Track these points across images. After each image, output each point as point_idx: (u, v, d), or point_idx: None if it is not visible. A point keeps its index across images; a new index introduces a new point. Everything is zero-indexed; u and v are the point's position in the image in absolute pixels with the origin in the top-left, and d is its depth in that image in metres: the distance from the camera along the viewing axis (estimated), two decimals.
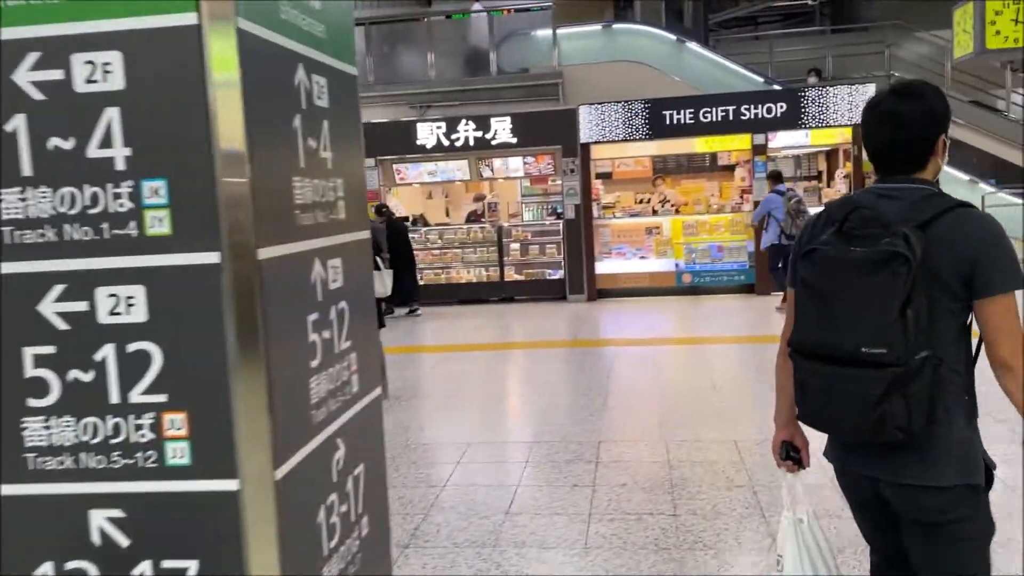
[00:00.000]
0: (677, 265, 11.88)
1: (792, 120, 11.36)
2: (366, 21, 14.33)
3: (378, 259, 6.70)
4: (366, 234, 2.50)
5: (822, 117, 11.30)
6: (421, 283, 12.25)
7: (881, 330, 1.82)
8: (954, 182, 11.73)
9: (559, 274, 12.05)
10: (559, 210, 11.96)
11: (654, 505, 4.24)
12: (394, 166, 12.05)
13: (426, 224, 12.76)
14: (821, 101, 11.28)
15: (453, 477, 4.83)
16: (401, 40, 14.78)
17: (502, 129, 11.64)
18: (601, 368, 7.61)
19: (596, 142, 11.64)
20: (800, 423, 2.18)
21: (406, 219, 12.64)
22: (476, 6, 14.25)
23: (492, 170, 12.06)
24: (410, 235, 12.26)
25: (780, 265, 10.11)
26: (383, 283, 6.72)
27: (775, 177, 10.39)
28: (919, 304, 1.82)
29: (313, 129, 2.05)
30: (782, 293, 9.62)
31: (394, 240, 10.56)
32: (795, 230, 9.76)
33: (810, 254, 1.97)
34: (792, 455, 2.22)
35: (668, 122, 11.44)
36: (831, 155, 12.41)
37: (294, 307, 1.88)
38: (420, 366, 8.16)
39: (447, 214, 13.94)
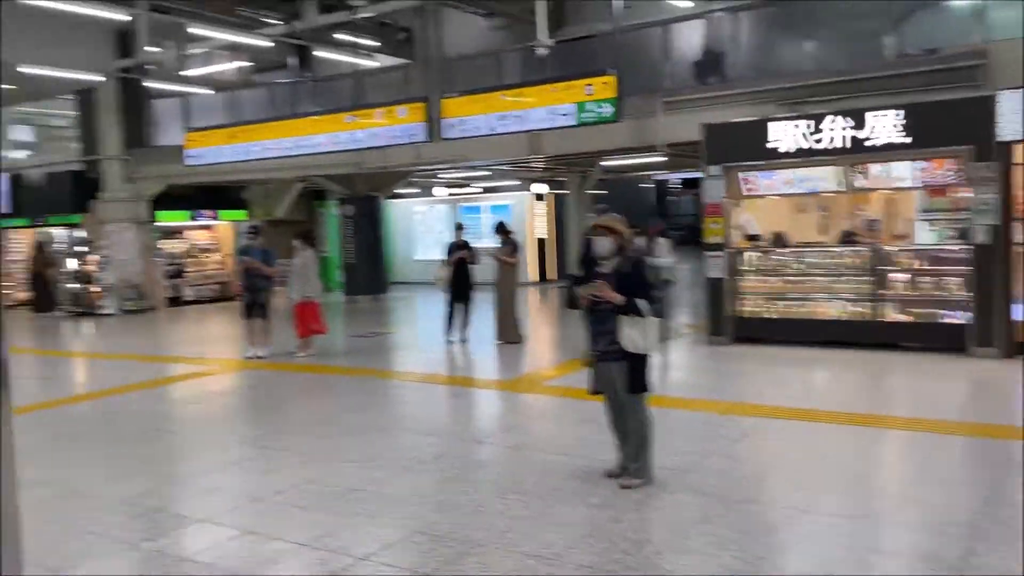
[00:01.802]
0: None
1: None
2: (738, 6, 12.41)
3: (639, 303, 5.00)
4: None
5: None
6: (774, 317, 10.13)
7: None
8: None
9: (960, 318, 8.98)
10: (966, 232, 8.90)
11: None
12: (740, 175, 10.05)
13: (784, 244, 10.52)
14: None
15: None
16: (774, 26, 12.57)
17: (883, 126, 8.97)
18: (988, 490, 5.00)
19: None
20: None
21: (756, 237, 10.57)
22: None
23: (867, 178, 9.41)
24: (771, 257, 10.19)
25: None
26: (644, 335, 5.01)
27: None
28: None
29: None
30: None
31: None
32: None
33: None
34: None
35: None
36: None
37: None
38: (724, 434, 6.28)
39: (822, 232, 11.45)
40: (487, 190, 21.86)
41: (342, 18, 13.45)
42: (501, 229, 11.29)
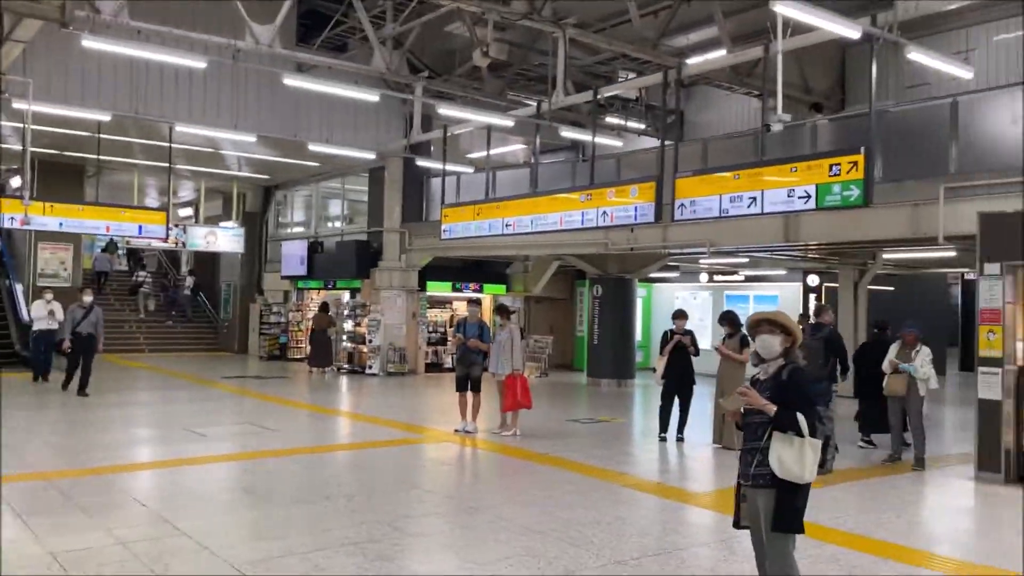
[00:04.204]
0: None
1: None
2: None
3: (798, 418, 3.96)
4: None
5: None
6: None
7: None
8: None
9: None
10: None
11: None
12: None
13: None
14: None
15: None
16: None
17: None
18: None
19: None
20: None
21: None
22: None
23: None
24: None
25: None
26: (800, 459, 3.94)
27: None
28: None
29: None
30: None
31: None
32: None
33: None
34: None
35: None
36: None
37: None
38: None
39: None
40: (752, 279, 20.44)
41: (580, 99, 13.39)
42: (727, 319, 10.21)
